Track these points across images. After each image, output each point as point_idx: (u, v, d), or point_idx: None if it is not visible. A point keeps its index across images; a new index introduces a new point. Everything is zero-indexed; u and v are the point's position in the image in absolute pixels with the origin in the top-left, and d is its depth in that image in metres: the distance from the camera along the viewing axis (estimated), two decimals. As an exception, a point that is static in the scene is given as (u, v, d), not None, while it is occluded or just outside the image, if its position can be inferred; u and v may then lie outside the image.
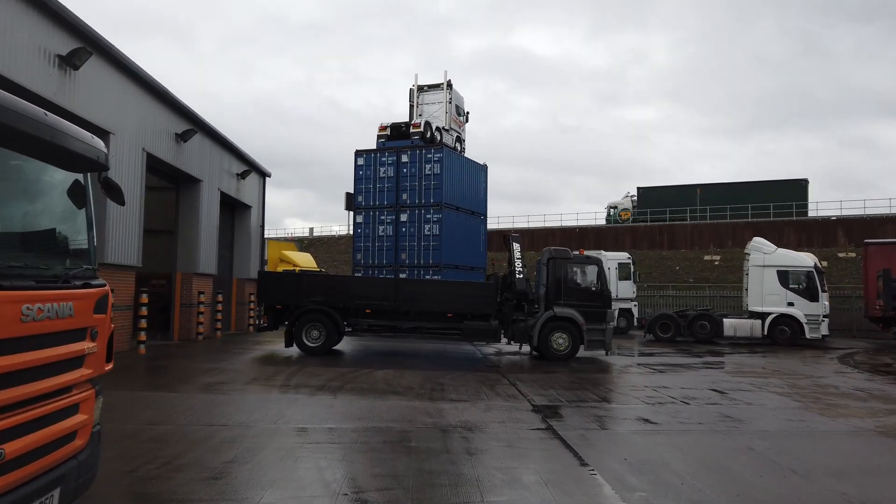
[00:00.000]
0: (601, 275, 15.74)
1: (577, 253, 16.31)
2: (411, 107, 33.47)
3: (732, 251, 42.22)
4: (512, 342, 16.11)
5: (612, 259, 26.84)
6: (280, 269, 29.30)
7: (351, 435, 7.41)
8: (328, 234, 61.28)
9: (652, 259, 42.77)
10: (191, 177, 18.11)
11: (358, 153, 30.96)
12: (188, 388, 9.91)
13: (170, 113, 16.25)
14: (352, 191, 30.90)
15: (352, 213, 51.86)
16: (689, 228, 45.81)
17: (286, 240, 51.19)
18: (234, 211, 23.64)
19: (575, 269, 15.93)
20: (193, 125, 17.25)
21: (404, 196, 30.27)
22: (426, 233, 29.75)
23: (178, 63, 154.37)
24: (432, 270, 29.40)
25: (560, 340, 15.32)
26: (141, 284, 15.16)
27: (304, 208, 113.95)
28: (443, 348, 19.61)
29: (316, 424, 7.81)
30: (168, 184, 18.73)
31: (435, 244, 29.50)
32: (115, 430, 6.91)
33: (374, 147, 31.19)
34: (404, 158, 30.35)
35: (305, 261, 30.48)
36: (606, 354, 16.29)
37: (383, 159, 30.83)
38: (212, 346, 17.38)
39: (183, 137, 16.78)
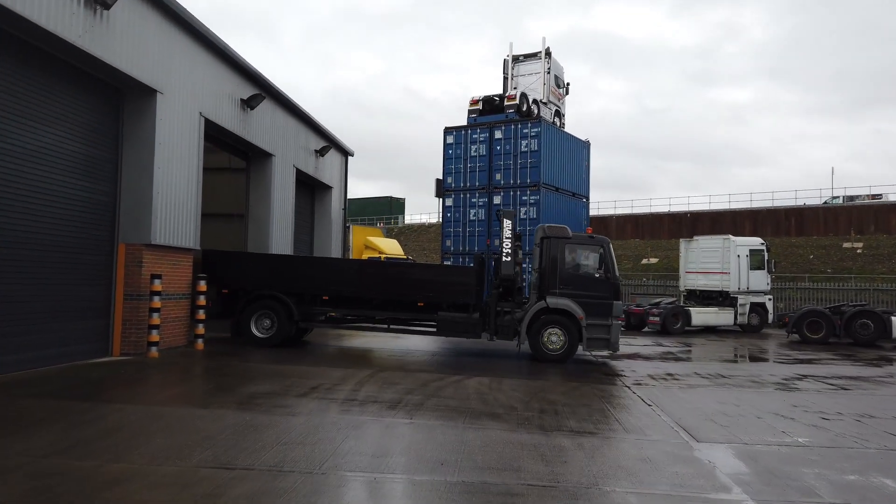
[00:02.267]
0: (607, 259, 12.82)
1: (583, 233, 13.75)
2: (505, 79, 30.52)
3: (877, 237, 36.60)
4: (495, 338, 13.12)
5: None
6: (365, 256, 27.35)
7: (427, 495, 4.81)
8: (417, 222, 59.51)
9: (778, 247, 37.78)
10: (260, 150, 16.15)
11: (447, 130, 28.45)
12: (223, 403, 7.65)
13: (233, 74, 14.27)
14: (440, 177, 28.77)
15: (441, 199, 49.45)
16: (822, 212, 40.32)
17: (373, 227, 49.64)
18: (313, 192, 21.73)
19: (575, 251, 13.03)
20: (261, 90, 15.23)
21: (498, 176, 27.51)
22: (522, 216, 26.85)
23: (264, 58, 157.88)
24: (529, 259, 26.48)
25: (553, 337, 12.59)
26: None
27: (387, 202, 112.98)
28: None
29: (378, 472, 5.26)
30: (241, 163, 16.89)
31: (532, 229, 26.54)
32: (93, 474, 4.65)
33: (464, 124, 28.62)
34: (498, 135, 27.53)
35: (392, 248, 28.38)
36: (612, 354, 13.39)
37: (475, 136, 28.14)
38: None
39: (249, 104, 14.79)
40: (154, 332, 11.14)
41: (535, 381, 10.44)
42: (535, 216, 26.54)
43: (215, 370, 10.39)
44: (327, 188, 21.80)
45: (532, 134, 26.66)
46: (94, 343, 10.78)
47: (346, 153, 23.21)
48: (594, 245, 13.02)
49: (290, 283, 13.34)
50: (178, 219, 12.16)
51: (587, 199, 30.38)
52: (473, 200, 27.82)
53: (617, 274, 13.00)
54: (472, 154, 27.94)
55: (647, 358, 14.45)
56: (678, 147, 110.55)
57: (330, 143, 20.83)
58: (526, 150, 26.78)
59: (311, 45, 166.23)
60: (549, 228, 13.38)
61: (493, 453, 5.95)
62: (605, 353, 13.24)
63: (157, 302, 11.16)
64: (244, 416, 6.94)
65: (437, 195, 56.49)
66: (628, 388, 10.15)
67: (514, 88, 29.14)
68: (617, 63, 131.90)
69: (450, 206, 28.24)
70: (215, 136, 14.50)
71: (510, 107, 27.81)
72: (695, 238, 24.71)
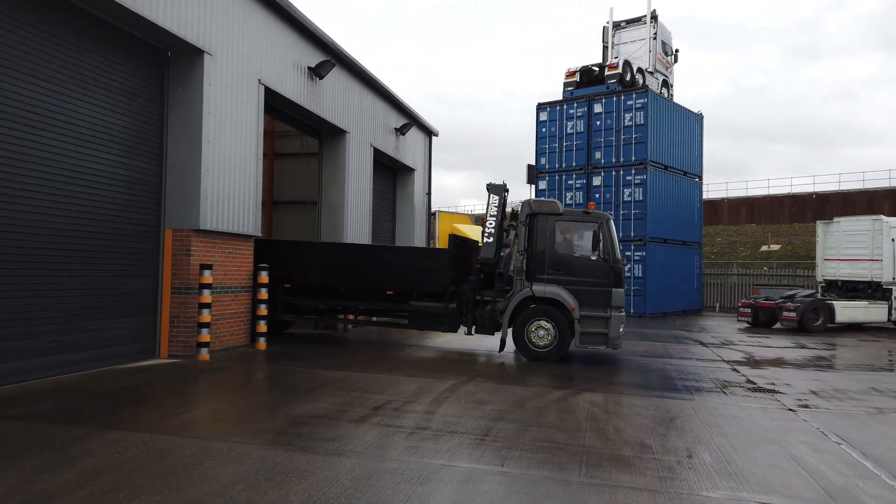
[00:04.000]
0: (605, 239, 10.68)
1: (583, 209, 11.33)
2: (604, 48, 27.63)
3: None
4: (474, 332, 11.47)
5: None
6: (451, 244, 25.44)
7: None
8: (509, 210, 57.06)
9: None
10: (332, 126, 14.48)
11: (540, 107, 25.99)
12: (256, 432, 5.84)
13: (298, 38, 12.62)
14: (532, 163, 26.47)
15: (533, 186, 46.92)
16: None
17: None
18: (395, 176, 20.00)
19: (567, 230, 11.03)
20: (331, 57, 13.51)
21: (598, 155, 24.82)
22: (626, 199, 24.09)
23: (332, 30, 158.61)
24: (634, 245, 23.73)
25: (540, 332, 10.71)
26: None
27: (478, 189, 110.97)
28: (664, 333, 14.62)
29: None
30: (314, 146, 15.33)
31: (638, 213, 23.74)
32: None
33: (559, 98, 26.05)
34: (597, 108, 24.82)
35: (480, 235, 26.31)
36: (610, 349, 10.96)
37: (571, 111, 25.53)
38: (364, 337, 13.68)
39: (318, 73, 13.11)
40: (204, 330, 9.63)
41: (660, 398, 8.07)
42: (640, 198, 23.67)
43: (267, 378, 8.70)
44: (409, 171, 20.00)
45: (637, 105, 23.76)
46: (137, 343, 9.38)
47: (429, 132, 21.32)
48: (590, 222, 10.83)
49: None
50: (233, 201, 10.60)
51: (700, 178, 27.09)
52: (570, 182, 25.27)
53: (618, 256, 10.83)
54: (569, 131, 25.38)
55: (795, 365, 11.63)
56: (780, 128, 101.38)
57: (411, 121, 18.98)
58: (630, 124, 23.92)
59: (390, 31, 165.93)
60: (536, 203, 11.21)
61: (634, 542, 3.75)
62: (601, 348, 10.86)
63: (207, 296, 9.63)
64: (275, 456, 5.07)
65: (529, 181, 53.82)
66: (793, 411, 7.59)
67: (615, 58, 26.26)
68: (708, 39, 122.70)
69: (543, 190, 25.83)
70: (279, 108, 12.93)
71: (612, 76, 24.99)
72: (836, 220, 21.07)
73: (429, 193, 21.47)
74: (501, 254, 11.53)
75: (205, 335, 9.63)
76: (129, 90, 9.16)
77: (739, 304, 20.90)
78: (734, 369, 10.81)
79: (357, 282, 11.88)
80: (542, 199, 11.81)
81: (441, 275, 11.39)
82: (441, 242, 25.67)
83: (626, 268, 22.97)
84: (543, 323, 10.69)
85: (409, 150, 19.48)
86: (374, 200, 17.00)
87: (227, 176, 10.43)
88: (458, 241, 12.07)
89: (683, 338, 16.07)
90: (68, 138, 8.18)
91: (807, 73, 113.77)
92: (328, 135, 15.00)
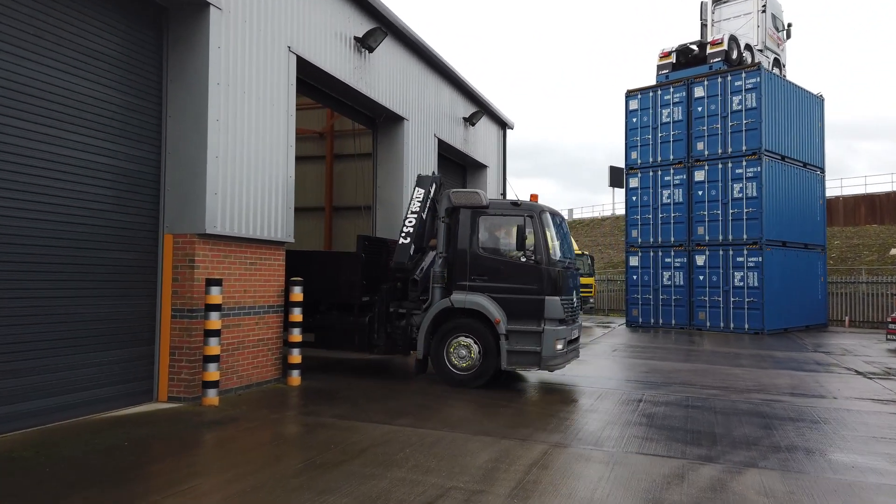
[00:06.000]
0: (538, 236, 8.85)
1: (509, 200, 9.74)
2: (703, 26, 24.12)
3: None
4: (380, 351, 9.66)
5: None
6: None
7: None
8: (588, 216, 53.69)
9: None
10: (387, 111, 12.13)
11: (629, 94, 22.83)
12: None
13: (340, 2, 10.34)
14: (615, 164, 23.60)
15: (618, 187, 43.20)
16: None
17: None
18: (464, 173, 17.50)
19: (494, 226, 9.26)
20: (382, 25, 11.16)
21: (700, 146, 21.43)
22: (736, 195, 20.57)
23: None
24: (747, 250, 20.20)
25: (462, 350, 8.94)
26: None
27: (546, 198, 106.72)
28: (799, 357, 10.63)
29: None
30: (369, 146, 13.06)
31: (751, 212, 20.15)
32: None
33: (652, 84, 22.87)
34: (699, 92, 21.43)
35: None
36: (542, 369, 8.73)
37: (666, 98, 22.24)
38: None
39: (366, 44, 10.78)
40: (211, 366, 7.34)
41: (858, 475, 5.09)
42: (754, 194, 20.11)
43: (283, 440, 6.27)
44: (481, 167, 17.44)
45: (748, 86, 20.21)
46: (128, 383, 7.20)
47: (503, 124, 18.70)
48: (518, 216, 8.91)
49: None
50: (254, 198, 8.34)
51: (822, 171, 23.13)
52: (667, 179, 21.95)
53: (554, 257, 8.85)
54: (664, 120, 22.08)
55: None
56: (871, 124, 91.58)
57: (482, 109, 16.42)
58: (739, 108, 20.40)
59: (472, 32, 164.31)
60: (456, 195, 9.30)
61: None
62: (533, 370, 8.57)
63: (214, 320, 7.35)
64: None
65: (612, 184, 50.19)
66: None
67: (719, 34, 22.83)
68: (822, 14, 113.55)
69: (635, 189, 22.59)
70: (319, 87, 10.67)
71: (716, 54, 21.52)
72: None
73: (503, 193, 18.82)
74: (426, 258, 9.69)
75: (212, 372, 7.34)
76: (118, 56, 7.05)
77: (889, 320, 17.07)
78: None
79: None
80: (463, 189, 9.54)
81: (350, 282, 9.53)
82: (518, 250, 22.94)
83: (738, 276, 19.54)
84: (465, 340, 8.85)
85: (479, 143, 16.93)
86: (439, 201, 14.53)
87: (246, 165, 8.18)
88: (369, 241, 9.93)
89: (829, 364, 12.70)
90: (39, 117, 6.11)
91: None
92: (383, 123, 12.66)
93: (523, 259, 8.76)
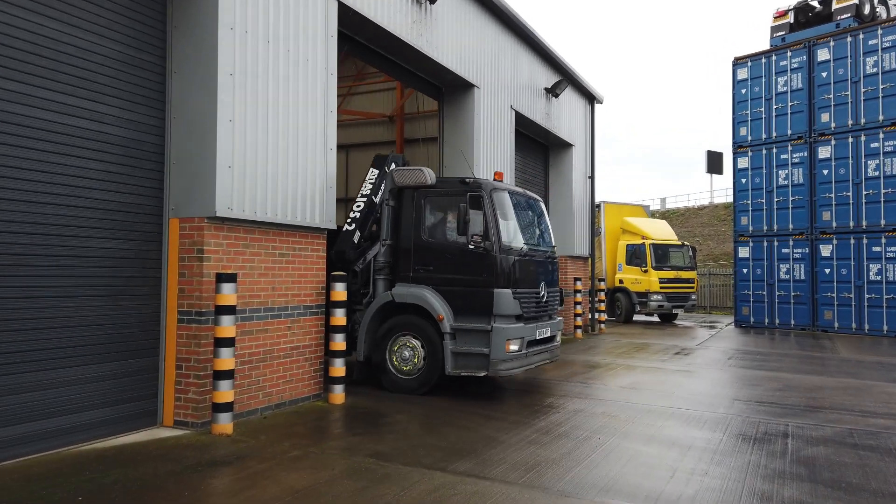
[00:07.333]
0: (489, 217, 7.43)
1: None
2: (824, -20, 20.96)
3: None
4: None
5: None
6: (622, 241, 20.38)
7: None
8: (684, 205, 49.93)
9: None
10: (453, 76, 10.34)
11: (737, 62, 19.95)
12: None
13: (395, -59, 8.64)
14: (712, 149, 20.83)
15: (712, 176, 39.62)
16: None
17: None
18: (546, 153, 15.48)
19: (440, 208, 7.90)
20: (446, -29, 9.40)
21: (824, 118, 18.36)
22: (872, 173, 17.41)
23: None
24: (886, 238, 17.09)
25: (406, 352, 7.64)
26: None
27: (623, 188, 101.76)
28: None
29: None
30: (435, 129, 11.35)
31: (890, 192, 16.98)
32: None
33: (765, 49, 19.94)
34: (823, 55, 18.37)
35: (660, 231, 20.91)
36: (492, 375, 7.36)
37: (783, 63, 19.25)
38: (564, 370, 9.36)
39: (427, -6, 9.05)
40: (223, 384, 5.80)
41: None
42: (893, 171, 17.02)
43: (299, 497, 4.61)
44: (566, 146, 15.36)
45: (886, 45, 16.99)
46: (127, 404, 5.77)
47: (591, 97, 16.51)
48: (462, 194, 7.54)
49: None
50: (283, 175, 6.75)
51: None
52: (783, 157, 19.00)
53: (504, 241, 7.51)
54: (780, 90, 19.10)
55: None
56: None
57: (566, 79, 14.32)
58: (874, 71, 17.24)
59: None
60: (400, 173, 8.02)
61: None
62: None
63: (227, 326, 5.80)
64: None
65: (709, 170, 46.39)
66: None
67: (843, -13, 19.59)
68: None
69: (744, 170, 19.73)
70: (370, 46, 9.00)
71: (844, 9, 18.33)
72: None
73: (591, 177, 16.65)
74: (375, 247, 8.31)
75: (224, 392, 5.79)
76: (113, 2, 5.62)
77: None
78: None
79: None
80: (408, 167, 8.08)
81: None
82: (608, 240, 20.66)
83: (875, 269, 16.53)
84: (409, 340, 7.70)
85: (564, 118, 14.86)
86: (516, 183, 12.64)
87: (272, 133, 6.60)
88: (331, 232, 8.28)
89: None
90: (11, 72, 4.77)
91: None
92: (450, 92, 10.89)
93: (471, 245, 7.42)
